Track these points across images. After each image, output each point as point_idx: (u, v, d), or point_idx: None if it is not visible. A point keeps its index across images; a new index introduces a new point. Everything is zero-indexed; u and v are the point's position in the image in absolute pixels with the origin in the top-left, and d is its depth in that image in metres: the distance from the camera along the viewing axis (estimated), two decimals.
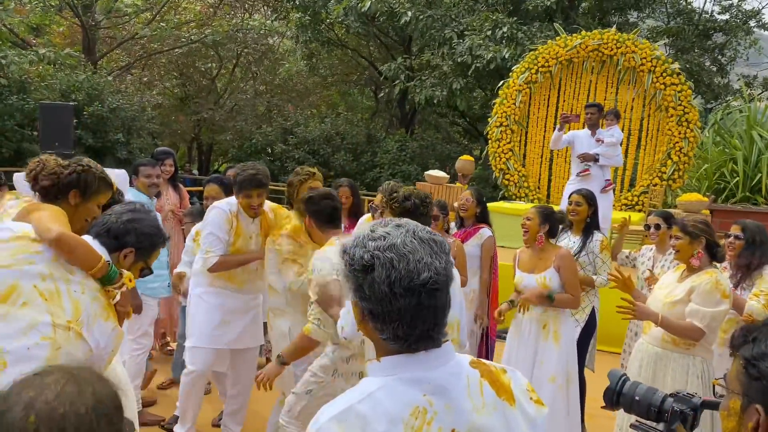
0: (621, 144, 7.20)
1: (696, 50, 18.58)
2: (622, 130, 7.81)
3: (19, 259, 2.01)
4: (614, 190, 7.65)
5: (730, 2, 19.31)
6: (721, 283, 3.10)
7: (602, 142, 6.76)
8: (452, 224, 4.83)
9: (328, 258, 2.84)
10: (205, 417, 4.18)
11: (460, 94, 15.24)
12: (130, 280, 2.16)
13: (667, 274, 3.50)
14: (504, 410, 1.26)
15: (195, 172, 22.73)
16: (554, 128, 7.24)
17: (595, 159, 6.73)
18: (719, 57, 19.67)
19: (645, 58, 9.51)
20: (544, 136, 10.27)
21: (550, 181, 10.41)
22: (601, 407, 1.93)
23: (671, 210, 6.40)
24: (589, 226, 4.32)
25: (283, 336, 3.53)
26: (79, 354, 1.97)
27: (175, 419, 3.95)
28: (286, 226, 3.58)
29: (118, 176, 4.15)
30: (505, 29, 13.65)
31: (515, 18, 14.36)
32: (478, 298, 4.55)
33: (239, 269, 3.69)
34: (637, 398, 1.75)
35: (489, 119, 10.81)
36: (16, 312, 1.94)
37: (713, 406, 1.69)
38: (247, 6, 22.24)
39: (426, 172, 9.26)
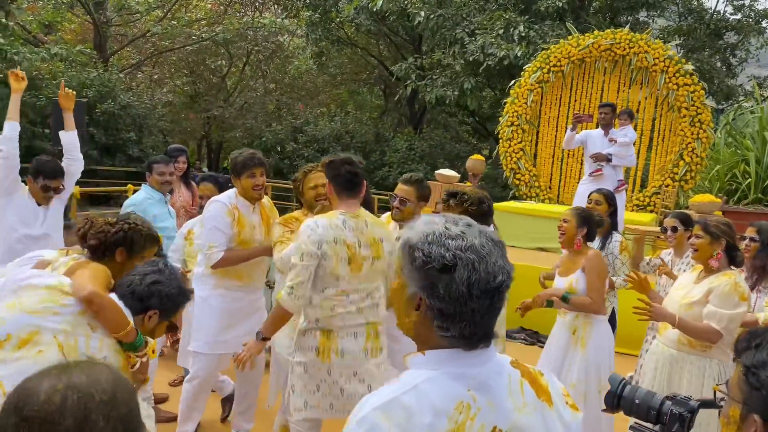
0: (634, 144, 7.15)
1: (707, 50, 18.44)
2: (635, 130, 7.76)
3: (45, 308, 2.05)
4: (626, 191, 7.60)
5: (743, 2, 19.15)
6: (740, 285, 3.07)
7: (615, 141, 6.73)
8: None
9: (313, 228, 2.74)
10: (214, 414, 4.16)
11: (470, 94, 15.20)
12: (153, 351, 2.22)
13: (684, 275, 3.44)
14: (543, 411, 1.25)
15: (205, 169, 22.74)
16: (566, 128, 7.19)
17: (608, 159, 6.69)
18: (730, 57, 19.52)
19: (658, 58, 9.43)
20: (555, 136, 10.22)
21: (561, 180, 10.37)
22: (602, 410, 1.97)
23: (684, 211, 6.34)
24: (609, 226, 4.29)
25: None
26: None
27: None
28: (278, 218, 3.57)
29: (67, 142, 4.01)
30: (521, 28, 13.60)
31: (527, 17, 14.32)
32: None
33: (243, 264, 3.54)
34: (636, 401, 1.78)
35: (499, 118, 10.76)
36: (30, 358, 1.98)
37: (710, 405, 1.71)
38: (257, 4, 22.30)
39: (437, 171, 9.19)
